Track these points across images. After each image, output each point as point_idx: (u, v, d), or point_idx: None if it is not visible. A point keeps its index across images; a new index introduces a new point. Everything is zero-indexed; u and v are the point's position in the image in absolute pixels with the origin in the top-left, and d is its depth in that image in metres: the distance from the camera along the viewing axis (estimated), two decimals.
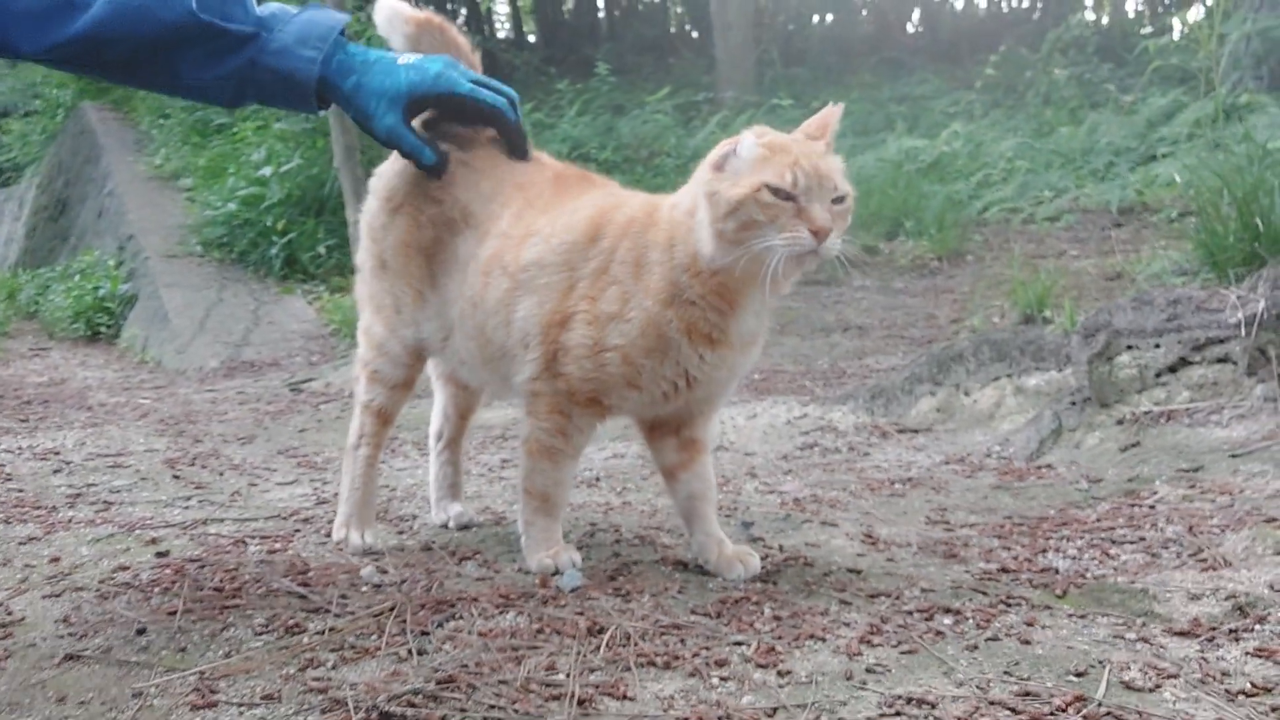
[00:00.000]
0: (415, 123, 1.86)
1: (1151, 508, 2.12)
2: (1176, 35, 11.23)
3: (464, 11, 16.47)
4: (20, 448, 3.17)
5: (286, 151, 7.98)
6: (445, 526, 2.20)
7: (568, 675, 1.36)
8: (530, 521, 1.83)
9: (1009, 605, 1.63)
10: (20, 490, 2.56)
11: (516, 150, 1.91)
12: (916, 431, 3.13)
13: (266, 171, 7.80)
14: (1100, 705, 1.25)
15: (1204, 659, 1.40)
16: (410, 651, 1.45)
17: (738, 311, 1.66)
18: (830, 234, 1.53)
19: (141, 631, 1.55)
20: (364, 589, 1.75)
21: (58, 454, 3.07)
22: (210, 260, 7.84)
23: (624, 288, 1.69)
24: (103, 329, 7.64)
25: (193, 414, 4.02)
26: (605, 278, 1.70)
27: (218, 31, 1.67)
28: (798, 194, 1.53)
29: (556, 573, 1.77)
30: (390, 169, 2.00)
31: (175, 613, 1.62)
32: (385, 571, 1.85)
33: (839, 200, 1.58)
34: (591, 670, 1.39)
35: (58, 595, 1.73)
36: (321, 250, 7.49)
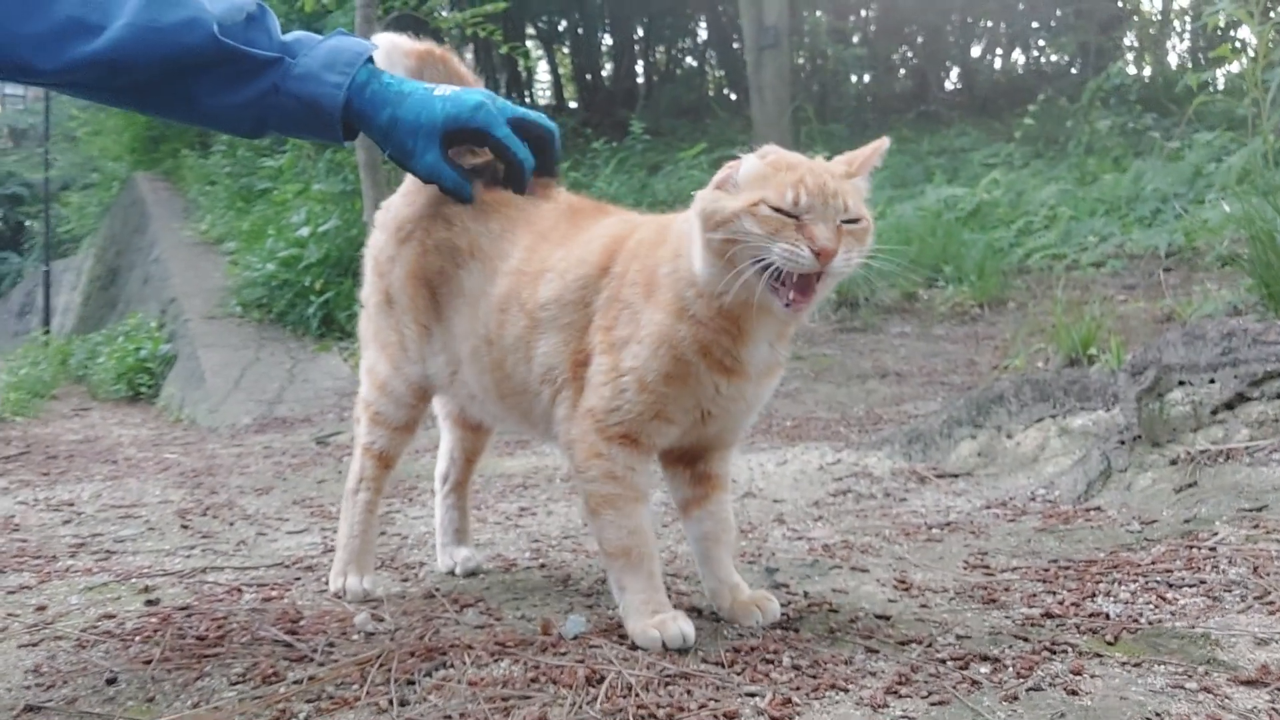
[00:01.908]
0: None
1: (1212, 549, 1.94)
2: (1220, 84, 11.05)
3: (503, 77, 16.75)
4: (36, 500, 3.12)
5: (325, 213, 8.06)
6: (452, 573, 2.09)
7: None
8: (623, 586, 1.59)
9: (1053, 653, 1.47)
10: (24, 540, 2.49)
11: (515, 187, 1.82)
12: (956, 476, 2.96)
13: (305, 232, 7.87)
14: None
15: (1275, 709, 1.24)
16: (391, 701, 1.34)
17: (748, 337, 1.54)
18: (836, 255, 1.40)
19: (112, 681, 1.45)
20: (355, 637, 1.64)
21: (71, 505, 3.01)
22: (249, 321, 7.90)
23: (634, 310, 1.57)
24: (143, 389, 7.70)
25: (215, 467, 3.96)
26: (617, 304, 1.59)
27: (239, 56, 1.61)
28: (799, 214, 1.41)
29: (665, 649, 1.51)
30: (399, 201, 1.93)
31: (151, 661, 1.52)
32: (381, 619, 1.74)
33: (852, 221, 1.45)
34: None
35: (35, 644, 1.64)
36: (358, 309, 7.51)
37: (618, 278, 1.61)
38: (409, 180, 1.90)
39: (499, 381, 1.74)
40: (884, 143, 1.56)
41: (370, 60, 1.72)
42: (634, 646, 1.53)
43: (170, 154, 13.12)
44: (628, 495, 1.59)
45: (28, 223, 23.85)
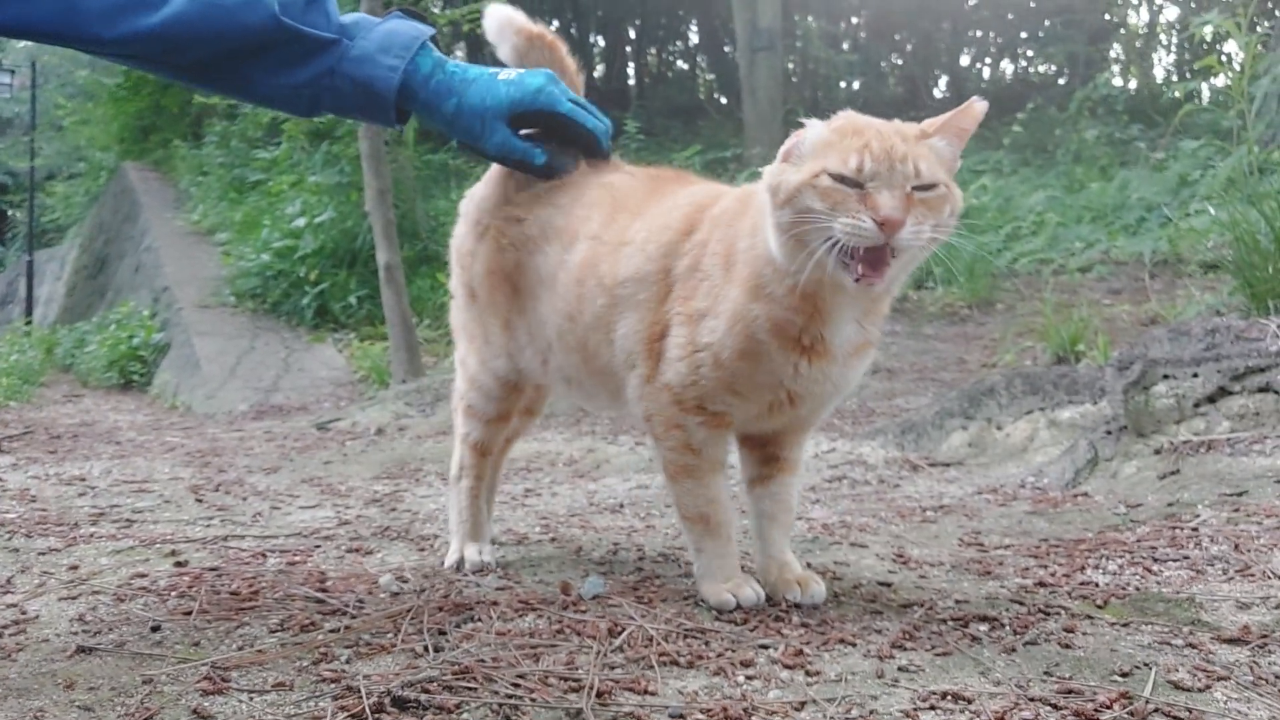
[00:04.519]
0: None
1: (1194, 530, 2.04)
2: (1206, 98, 11.24)
3: None
4: (47, 474, 3.18)
5: (320, 204, 8.11)
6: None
7: (587, 671, 1.31)
8: (699, 548, 1.64)
9: (1047, 614, 1.56)
10: (44, 510, 2.55)
11: (596, 155, 1.82)
12: (948, 465, 3.06)
13: (300, 223, 7.92)
14: (1148, 703, 1.19)
15: (1256, 663, 1.33)
16: (426, 648, 1.41)
17: (829, 317, 1.47)
18: (904, 225, 1.32)
19: (156, 629, 1.52)
20: (382, 595, 1.71)
21: (83, 480, 3.07)
22: (243, 310, 7.95)
23: (713, 282, 1.53)
24: (135, 377, 7.73)
25: (219, 449, 4.03)
26: (697, 274, 1.55)
27: (298, 36, 1.62)
28: (863, 180, 1.34)
29: (738, 608, 1.58)
30: (480, 191, 1.92)
31: (190, 613, 1.59)
32: (405, 580, 1.81)
33: (926, 189, 1.36)
34: (612, 667, 1.34)
35: (74, 598, 1.71)
36: (353, 300, 7.58)
37: (699, 245, 1.57)
38: (493, 168, 1.90)
39: (586, 360, 1.72)
40: (975, 104, 1.43)
41: (426, 45, 1.72)
42: (708, 607, 1.60)
43: (161, 144, 13.13)
44: (704, 466, 1.60)
45: (11, 212, 23.75)
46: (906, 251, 1.37)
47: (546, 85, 1.73)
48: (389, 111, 1.70)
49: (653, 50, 19.89)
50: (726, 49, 17.37)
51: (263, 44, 1.61)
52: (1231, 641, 1.42)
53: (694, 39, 19.72)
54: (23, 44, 24.14)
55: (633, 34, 19.23)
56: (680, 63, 20.24)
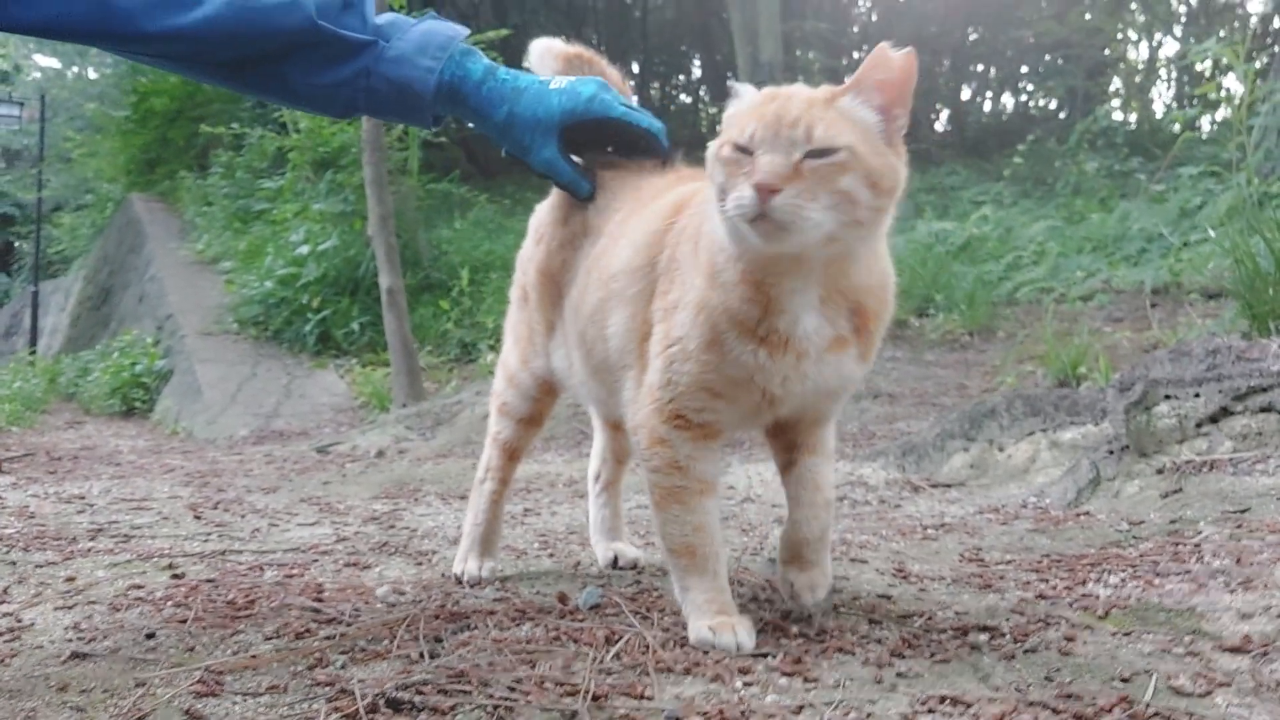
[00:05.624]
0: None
1: (1197, 545, 2.03)
2: (1205, 130, 11.32)
3: None
4: (47, 493, 3.17)
5: (324, 233, 8.15)
6: (613, 565, 2.04)
7: (583, 676, 1.30)
8: (685, 586, 1.50)
9: (1047, 624, 1.55)
10: (42, 525, 2.55)
11: (656, 155, 1.77)
12: (949, 486, 3.05)
13: (304, 250, 7.96)
14: (1149, 707, 1.18)
15: (1257, 670, 1.32)
16: (422, 654, 1.40)
17: (781, 306, 1.37)
18: (780, 191, 1.24)
19: (150, 636, 1.52)
20: (379, 606, 1.71)
21: (82, 498, 3.06)
22: (246, 337, 7.97)
23: (685, 270, 1.45)
24: (137, 403, 7.73)
25: (219, 470, 4.02)
26: (674, 264, 1.48)
27: (334, 38, 1.63)
28: (753, 147, 1.28)
29: (737, 649, 1.41)
30: (543, 205, 1.90)
31: (186, 621, 1.59)
32: (402, 592, 1.80)
33: (822, 154, 1.26)
34: (608, 673, 1.33)
35: (70, 607, 1.71)
36: (355, 327, 7.59)
37: (678, 233, 1.50)
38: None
39: (585, 356, 1.68)
40: (885, 50, 1.33)
41: (473, 50, 1.73)
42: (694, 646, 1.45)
43: (167, 175, 13.22)
44: (692, 488, 1.47)
45: (17, 243, 23.89)
46: (785, 229, 1.26)
47: (599, 93, 1.71)
48: (425, 113, 1.70)
49: (655, 84, 20.08)
50: (729, 83, 17.55)
51: (297, 45, 1.62)
52: (1233, 650, 1.41)
53: (696, 73, 19.92)
54: (31, 77, 24.40)
55: (636, 68, 19.42)
56: (683, 96, 20.44)
